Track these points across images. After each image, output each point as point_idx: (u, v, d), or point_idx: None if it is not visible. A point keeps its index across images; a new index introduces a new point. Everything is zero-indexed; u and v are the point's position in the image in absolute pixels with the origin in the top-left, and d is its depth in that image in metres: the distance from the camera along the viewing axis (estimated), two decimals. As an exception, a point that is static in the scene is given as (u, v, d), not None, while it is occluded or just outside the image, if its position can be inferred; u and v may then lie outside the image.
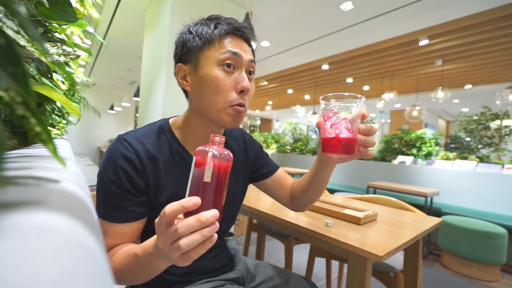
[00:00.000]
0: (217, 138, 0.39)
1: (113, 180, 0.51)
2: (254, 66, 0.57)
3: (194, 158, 0.38)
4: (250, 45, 0.58)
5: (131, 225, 0.53)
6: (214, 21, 0.55)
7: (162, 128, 0.61)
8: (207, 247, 0.36)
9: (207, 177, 0.37)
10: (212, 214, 0.35)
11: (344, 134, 0.50)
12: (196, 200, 0.35)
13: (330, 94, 0.52)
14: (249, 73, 0.57)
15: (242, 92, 0.54)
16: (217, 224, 0.36)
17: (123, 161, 0.52)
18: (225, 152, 0.39)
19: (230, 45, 0.53)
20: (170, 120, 0.64)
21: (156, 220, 0.37)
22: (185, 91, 0.61)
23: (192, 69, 0.55)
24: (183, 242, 0.34)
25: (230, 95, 0.53)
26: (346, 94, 0.51)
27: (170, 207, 0.35)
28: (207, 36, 0.53)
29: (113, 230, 0.52)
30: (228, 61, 0.52)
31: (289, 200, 0.75)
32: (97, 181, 0.54)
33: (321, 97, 0.54)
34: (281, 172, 0.78)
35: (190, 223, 0.34)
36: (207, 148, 0.38)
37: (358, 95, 0.50)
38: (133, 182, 0.52)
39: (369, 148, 0.51)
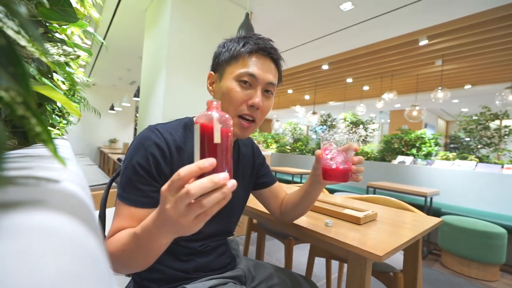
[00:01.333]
0: (215, 103, 0.40)
1: (142, 164, 0.54)
2: (273, 87, 0.62)
3: (198, 124, 0.38)
4: (277, 65, 0.63)
5: (148, 211, 0.54)
6: (244, 40, 0.61)
7: (188, 125, 0.66)
8: (222, 205, 0.36)
9: (217, 138, 0.37)
10: (224, 176, 0.34)
11: (343, 165, 0.61)
12: (212, 160, 0.35)
13: (328, 132, 0.61)
14: (266, 91, 0.61)
15: (252, 107, 0.59)
16: (235, 182, 0.36)
17: (155, 148, 0.56)
18: (226, 116, 0.40)
19: (253, 64, 0.58)
20: (194, 119, 0.67)
21: (165, 187, 0.36)
22: None
23: (218, 79, 0.63)
24: (206, 200, 0.34)
25: (240, 106, 0.59)
26: (342, 132, 0.62)
27: (186, 169, 0.34)
28: (234, 53, 0.59)
29: (129, 212, 0.53)
30: (244, 78, 0.58)
31: (279, 212, 0.81)
32: (124, 165, 0.56)
33: (320, 133, 0.63)
34: (277, 185, 0.84)
35: (204, 184, 0.33)
36: (209, 113, 0.39)
37: (351, 134, 0.59)
38: (160, 169, 0.56)
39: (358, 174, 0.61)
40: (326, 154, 0.62)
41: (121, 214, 0.53)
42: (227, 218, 0.71)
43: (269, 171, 0.84)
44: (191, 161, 0.59)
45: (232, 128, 0.41)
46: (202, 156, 0.37)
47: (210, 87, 0.66)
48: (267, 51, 0.60)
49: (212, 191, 0.34)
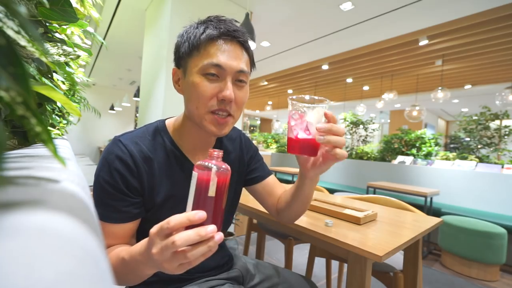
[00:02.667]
0: (215, 153, 0.40)
1: (108, 180, 0.52)
2: (244, 75, 0.55)
3: (196, 173, 0.39)
4: (245, 48, 0.56)
5: (124, 226, 0.53)
6: (204, 25, 0.53)
7: (158, 129, 0.61)
8: (207, 256, 0.37)
9: (212, 192, 0.38)
10: (211, 229, 0.35)
11: (303, 135, 0.50)
12: (202, 214, 0.36)
13: (295, 97, 0.53)
14: (238, 80, 0.55)
15: (223, 100, 0.52)
16: (222, 235, 0.37)
17: (118, 162, 0.53)
18: (223, 166, 0.40)
19: (218, 53, 0.51)
20: (166, 122, 0.64)
21: (154, 230, 0.37)
22: None
23: (183, 75, 0.56)
24: (190, 253, 0.35)
25: (210, 102, 0.52)
26: (311, 97, 0.52)
27: (176, 219, 0.35)
28: (194, 42, 0.52)
29: (107, 230, 0.52)
30: (210, 71, 0.51)
31: (275, 211, 0.73)
32: (93, 182, 0.54)
33: (288, 98, 0.53)
34: (272, 180, 0.76)
35: (190, 236, 0.34)
36: (208, 164, 0.39)
37: (324, 99, 0.51)
38: (128, 183, 0.53)
39: (339, 149, 0.49)
40: (289, 123, 0.53)
41: (102, 232, 0.53)
42: None
43: (261, 165, 0.77)
44: (161, 171, 0.58)
45: (230, 174, 0.41)
46: (195, 206, 0.38)
47: (177, 85, 0.59)
48: (232, 35, 0.52)
49: (198, 243, 0.35)
